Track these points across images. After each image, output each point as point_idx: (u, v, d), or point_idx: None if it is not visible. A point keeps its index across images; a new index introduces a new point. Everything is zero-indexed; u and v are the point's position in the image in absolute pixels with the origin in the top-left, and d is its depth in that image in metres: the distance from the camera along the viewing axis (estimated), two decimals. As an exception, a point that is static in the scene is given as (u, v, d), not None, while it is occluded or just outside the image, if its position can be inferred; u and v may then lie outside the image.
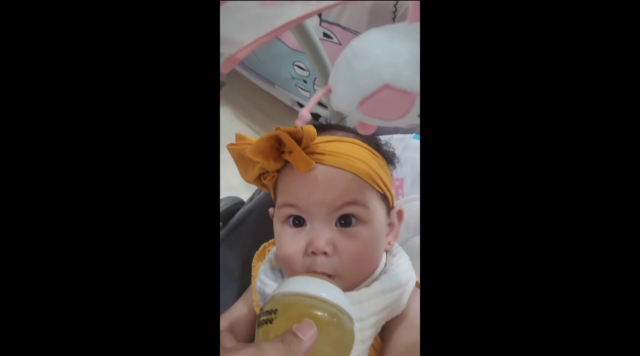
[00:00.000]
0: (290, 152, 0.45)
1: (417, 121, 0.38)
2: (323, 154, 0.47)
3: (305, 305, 0.35)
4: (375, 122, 0.37)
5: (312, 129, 0.45)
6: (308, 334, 0.32)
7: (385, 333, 0.47)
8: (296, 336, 0.32)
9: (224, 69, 0.30)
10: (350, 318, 0.37)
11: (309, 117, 0.34)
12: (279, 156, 0.47)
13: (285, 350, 0.30)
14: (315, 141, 0.47)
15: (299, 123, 0.34)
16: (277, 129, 0.44)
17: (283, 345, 0.31)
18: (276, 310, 0.35)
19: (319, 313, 0.35)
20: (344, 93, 0.34)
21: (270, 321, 0.34)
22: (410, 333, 0.46)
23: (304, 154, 0.45)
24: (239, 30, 0.31)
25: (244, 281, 0.61)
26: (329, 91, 0.35)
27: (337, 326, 0.35)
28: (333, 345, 0.35)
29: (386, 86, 0.31)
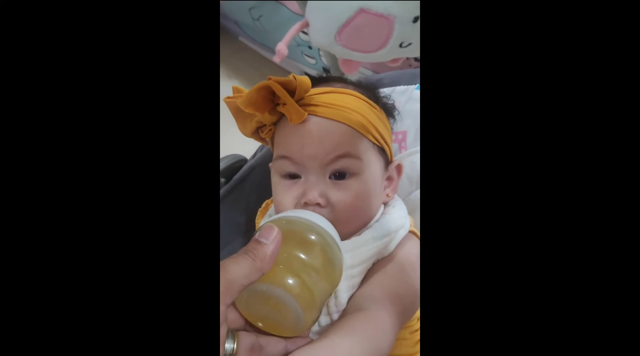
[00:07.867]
0: (284, 104, 0.45)
1: (401, 53, 0.37)
2: (317, 105, 0.46)
3: (284, 222, 0.34)
4: (358, 57, 0.37)
5: (305, 80, 0.44)
6: (270, 237, 0.31)
7: (368, 272, 0.46)
8: (259, 242, 0.31)
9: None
10: (336, 243, 0.36)
11: (285, 51, 0.34)
12: (273, 108, 0.46)
13: (249, 259, 0.30)
14: (311, 92, 0.46)
15: (276, 59, 0.34)
16: (268, 78, 0.44)
17: (246, 255, 0.30)
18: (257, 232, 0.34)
19: (295, 227, 0.34)
20: (320, 24, 0.33)
21: None
22: (391, 271, 0.45)
23: (296, 104, 0.44)
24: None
25: (251, 236, 0.62)
26: (307, 25, 0.35)
27: (318, 242, 0.34)
28: (311, 255, 0.33)
29: (361, 11, 0.31)
